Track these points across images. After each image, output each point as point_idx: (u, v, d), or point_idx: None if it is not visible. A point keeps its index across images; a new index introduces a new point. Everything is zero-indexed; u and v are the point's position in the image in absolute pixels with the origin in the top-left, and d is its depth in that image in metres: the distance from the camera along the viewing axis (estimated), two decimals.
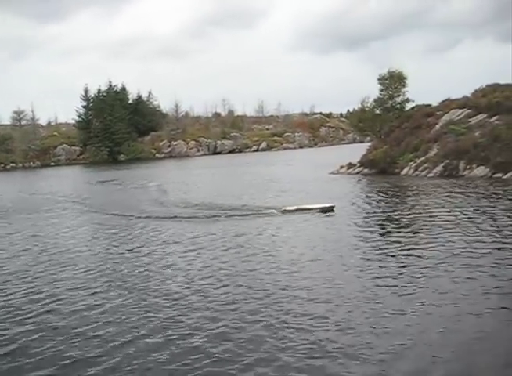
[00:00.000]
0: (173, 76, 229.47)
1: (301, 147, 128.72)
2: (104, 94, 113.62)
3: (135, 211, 32.65)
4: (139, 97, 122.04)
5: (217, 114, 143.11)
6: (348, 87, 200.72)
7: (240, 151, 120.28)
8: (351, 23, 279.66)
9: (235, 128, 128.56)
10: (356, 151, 59.75)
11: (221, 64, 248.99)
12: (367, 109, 60.81)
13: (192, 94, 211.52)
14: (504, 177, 41.86)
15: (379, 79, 59.09)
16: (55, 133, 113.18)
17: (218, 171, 68.77)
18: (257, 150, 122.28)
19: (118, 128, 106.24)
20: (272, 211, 28.94)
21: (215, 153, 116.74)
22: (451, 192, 35.74)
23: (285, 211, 28.44)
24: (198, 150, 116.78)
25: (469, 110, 52.25)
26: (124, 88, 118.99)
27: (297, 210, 28.43)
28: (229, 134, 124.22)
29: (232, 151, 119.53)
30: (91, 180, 62.33)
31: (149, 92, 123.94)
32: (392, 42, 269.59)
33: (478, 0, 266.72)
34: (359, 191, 41.04)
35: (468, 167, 45.35)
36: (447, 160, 46.44)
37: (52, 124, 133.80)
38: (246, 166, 73.88)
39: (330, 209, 28.60)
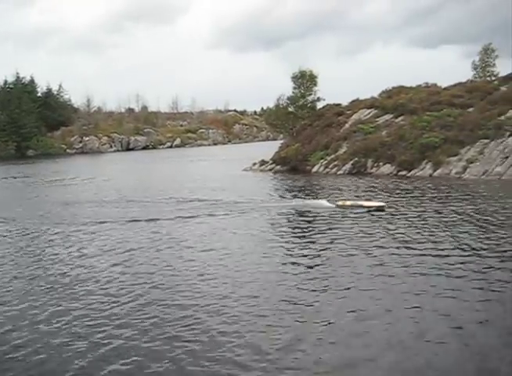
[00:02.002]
0: (86, 70, 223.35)
1: (215, 144, 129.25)
2: (11, 86, 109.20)
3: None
4: (49, 90, 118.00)
5: (130, 110, 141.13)
6: (263, 85, 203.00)
7: (154, 147, 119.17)
8: (269, 23, 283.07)
9: (148, 124, 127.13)
10: (269, 148, 60.85)
11: (137, 59, 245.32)
12: (281, 106, 62.05)
13: (106, 89, 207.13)
14: (408, 174, 44.09)
15: (292, 77, 60.62)
16: None
17: (137, 167, 68.22)
18: (171, 147, 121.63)
19: (26, 122, 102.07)
20: (322, 202, 29.80)
21: (128, 149, 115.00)
22: (357, 188, 37.39)
23: (340, 206, 28.62)
24: (111, 146, 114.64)
25: (376, 110, 54.58)
26: (32, 81, 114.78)
27: (351, 206, 28.46)
28: (143, 130, 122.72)
29: (145, 147, 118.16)
30: None
31: (60, 86, 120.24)
32: (308, 43, 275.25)
33: (389, 6, 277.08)
34: (270, 188, 41.84)
35: (375, 165, 47.33)
36: (356, 158, 48.25)
37: None
38: (163, 163, 73.50)
39: (381, 208, 27.66)
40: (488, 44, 68.28)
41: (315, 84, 60.74)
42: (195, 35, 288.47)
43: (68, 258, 19.07)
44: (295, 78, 60.49)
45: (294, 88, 60.68)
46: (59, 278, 16.56)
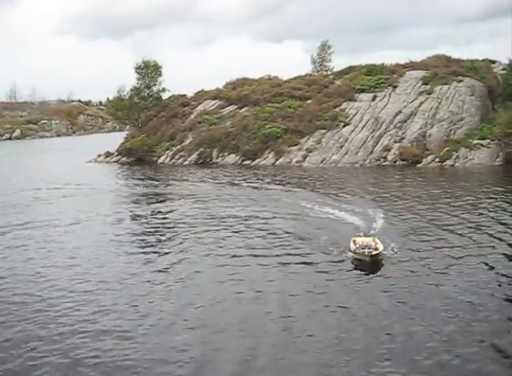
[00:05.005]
0: None
1: (58, 136, 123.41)
2: None
3: None
4: None
5: None
6: (110, 75, 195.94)
7: None
8: (117, 11, 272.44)
9: None
10: (115, 140, 59.65)
11: None
12: (124, 97, 60.72)
13: None
14: (252, 164, 45.53)
15: (136, 68, 59.47)
16: None
17: None
18: (10, 139, 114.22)
19: None
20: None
21: None
22: (201, 178, 38.05)
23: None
24: None
25: (221, 101, 55.44)
26: None
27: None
28: None
29: None
30: None
31: None
32: (157, 33, 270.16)
33: (236, 1, 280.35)
34: (110, 179, 41.41)
35: (221, 155, 48.25)
36: (201, 149, 48.82)
37: None
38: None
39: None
40: (326, 40, 71.97)
41: (160, 75, 60.22)
42: (38, 20, 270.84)
43: None
44: (139, 69, 59.46)
45: (138, 78, 59.66)
46: None
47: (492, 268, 15.48)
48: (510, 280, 14.45)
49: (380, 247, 16.84)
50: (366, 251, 16.21)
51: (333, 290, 14.18)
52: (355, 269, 15.91)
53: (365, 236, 18.27)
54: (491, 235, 18.94)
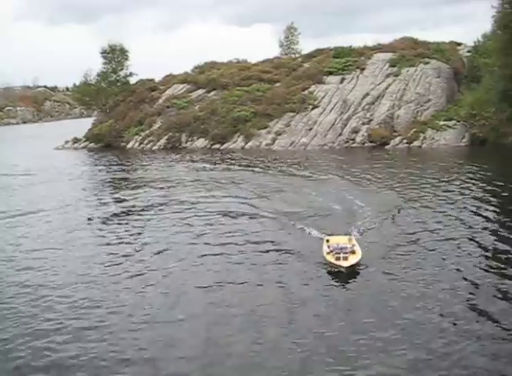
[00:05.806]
0: None
1: (24, 122, 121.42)
2: None
3: None
4: None
5: None
6: (77, 60, 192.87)
7: None
8: None
9: None
10: (83, 126, 58.96)
11: None
12: (91, 82, 59.86)
13: None
14: (222, 147, 45.40)
15: (101, 52, 58.57)
16: None
17: None
18: None
19: None
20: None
21: None
22: (171, 162, 37.88)
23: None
24: None
25: (189, 85, 55.05)
26: None
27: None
28: None
29: None
30: None
31: None
32: (125, 17, 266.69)
33: None
34: (78, 165, 40.79)
35: (190, 139, 48.03)
36: (170, 133, 48.52)
37: None
38: None
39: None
40: (291, 23, 71.55)
41: (127, 59, 59.39)
42: (3, 4, 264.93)
43: None
44: (105, 53, 58.55)
45: (105, 63, 58.77)
46: None
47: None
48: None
49: (358, 250, 14.17)
50: (342, 256, 13.57)
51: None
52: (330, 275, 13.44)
53: (340, 234, 15.65)
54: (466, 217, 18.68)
